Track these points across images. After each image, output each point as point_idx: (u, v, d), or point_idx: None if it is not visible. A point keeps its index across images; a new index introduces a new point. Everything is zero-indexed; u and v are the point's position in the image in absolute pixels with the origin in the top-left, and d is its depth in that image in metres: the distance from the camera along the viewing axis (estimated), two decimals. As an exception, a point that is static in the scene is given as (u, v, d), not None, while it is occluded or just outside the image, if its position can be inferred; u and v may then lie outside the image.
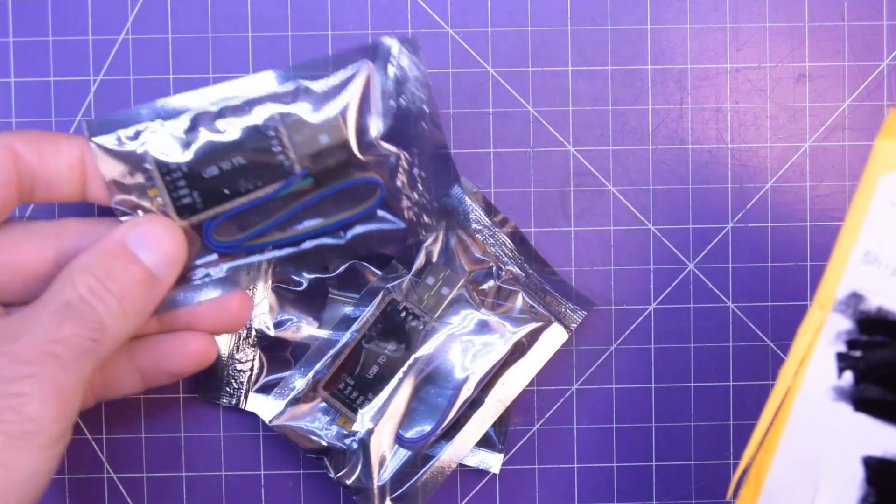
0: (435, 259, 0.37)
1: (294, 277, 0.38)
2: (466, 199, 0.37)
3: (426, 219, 0.35)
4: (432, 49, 0.38)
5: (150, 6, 0.38)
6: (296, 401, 0.37)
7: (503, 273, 0.37)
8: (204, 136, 0.32)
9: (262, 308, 0.37)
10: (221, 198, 0.32)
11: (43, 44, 0.38)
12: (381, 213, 0.34)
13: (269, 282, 0.38)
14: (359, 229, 0.34)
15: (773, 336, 0.39)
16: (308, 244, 0.34)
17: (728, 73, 0.39)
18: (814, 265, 0.39)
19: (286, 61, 0.38)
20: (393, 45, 0.33)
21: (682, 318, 0.39)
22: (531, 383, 0.38)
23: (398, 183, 0.34)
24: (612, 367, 0.39)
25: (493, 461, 0.37)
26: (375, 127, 0.33)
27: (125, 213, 0.32)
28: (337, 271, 0.38)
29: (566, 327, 0.37)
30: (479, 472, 0.39)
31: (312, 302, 0.38)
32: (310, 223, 0.34)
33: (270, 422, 0.37)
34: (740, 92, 0.39)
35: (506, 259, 0.38)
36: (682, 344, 0.39)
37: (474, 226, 0.38)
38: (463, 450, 0.37)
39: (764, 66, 0.39)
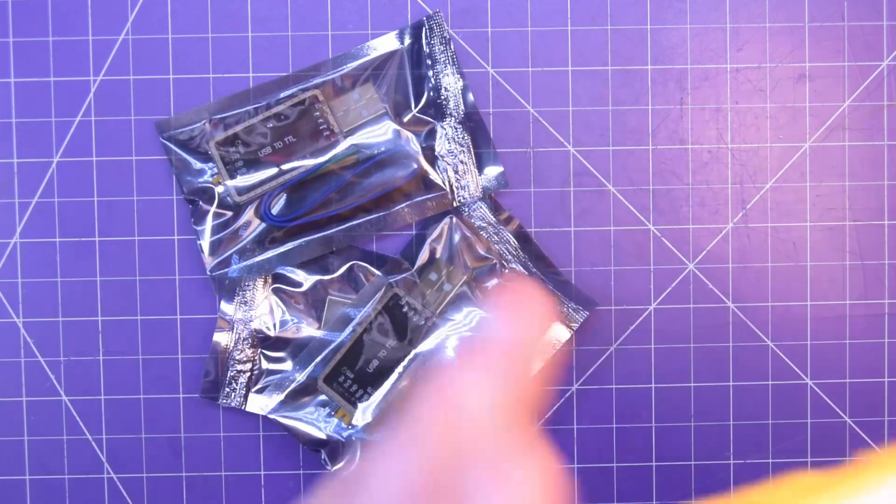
0: (438, 255, 0.37)
1: (294, 278, 0.38)
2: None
3: (468, 182, 0.37)
4: (432, 49, 0.38)
5: (150, 6, 0.38)
6: (295, 393, 0.37)
7: (506, 271, 0.37)
8: (258, 122, 0.37)
9: (263, 309, 0.37)
10: (277, 175, 0.37)
11: (43, 44, 0.38)
12: (424, 181, 0.37)
13: (269, 282, 0.38)
14: (403, 199, 0.37)
15: (773, 336, 0.39)
16: (358, 220, 0.37)
17: (728, 73, 0.39)
18: (813, 265, 0.39)
19: (286, 61, 0.38)
20: (421, 23, 0.37)
21: (682, 318, 0.39)
22: (531, 383, 0.38)
23: (437, 151, 0.37)
24: (612, 367, 0.39)
25: None
26: (411, 100, 0.37)
27: (193, 201, 0.37)
28: (338, 272, 0.38)
29: (568, 327, 0.37)
30: (480, 472, 0.39)
31: (313, 302, 0.38)
32: (356, 197, 0.38)
33: (269, 413, 0.37)
34: (740, 92, 0.39)
35: (509, 257, 0.38)
36: (682, 344, 0.39)
37: (479, 223, 0.38)
38: None
39: (764, 66, 0.39)
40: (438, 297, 0.37)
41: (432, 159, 0.37)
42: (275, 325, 0.38)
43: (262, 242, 0.37)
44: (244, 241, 0.37)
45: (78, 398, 0.38)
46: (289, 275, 0.38)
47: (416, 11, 0.38)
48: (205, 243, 0.37)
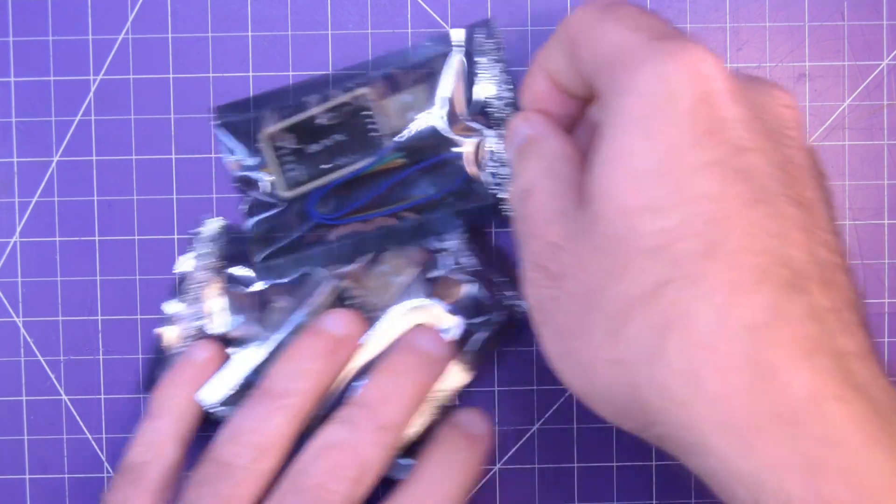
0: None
1: (245, 277, 0.37)
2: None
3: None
4: (432, 49, 0.38)
5: (150, 6, 0.38)
6: (238, 389, 0.36)
7: (457, 263, 0.37)
8: (309, 118, 0.36)
9: (212, 306, 0.37)
10: (324, 172, 0.37)
11: (43, 44, 0.38)
12: (469, 189, 0.37)
13: (219, 281, 0.37)
14: (449, 205, 0.37)
15: (773, 336, 0.39)
16: (407, 222, 0.37)
17: (728, 72, 0.39)
18: (814, 265, 0.39)
19: (286, 61, 0.38)
20: (477, 27, 0.37)
21: (682, 318, 0.39)
22: (531, 383, 0.38)
23: (484, 160, 0.37)
24: (611, 366, 0.39)
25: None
26: (461, 107, 0.37)
27: (242, 190, 0.37)
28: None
29: (517, 320, 0.37)
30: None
31: (261, 303, 0.37)
32: (404, 200, 0.37)
33: (211, 409, 0.36)
34: (740, 92, 0.39)
35: (461, 249, 0.37)
36: (682, 344, 0.39)
37: None
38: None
39: (764, 66, 0.39)
40: (387, 289, 0.36)
41: (479, 167, 0.37)
42: (223, 325, 0.37)
43: (301, 239, 0.37)
44: (289, 238, 0.37)
45: (78, 398, 0.38)
46: (240, 273, 0.37)
47: (415, 11, 0.38)
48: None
